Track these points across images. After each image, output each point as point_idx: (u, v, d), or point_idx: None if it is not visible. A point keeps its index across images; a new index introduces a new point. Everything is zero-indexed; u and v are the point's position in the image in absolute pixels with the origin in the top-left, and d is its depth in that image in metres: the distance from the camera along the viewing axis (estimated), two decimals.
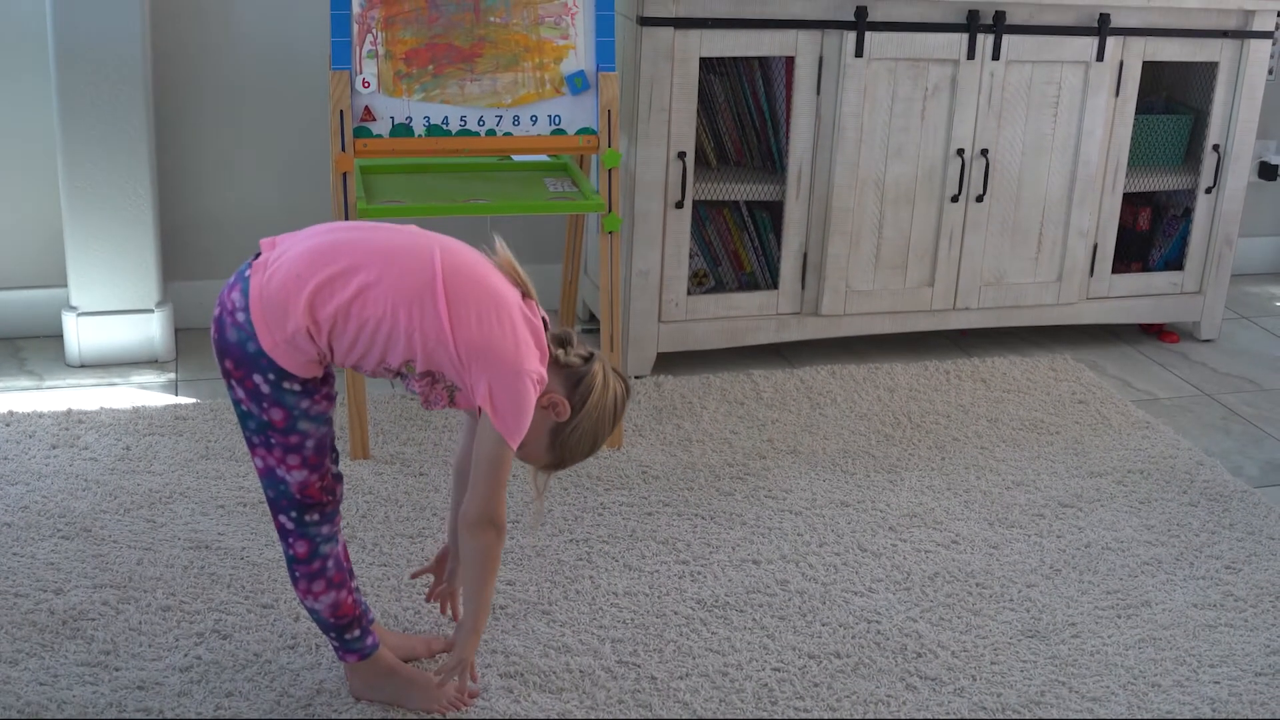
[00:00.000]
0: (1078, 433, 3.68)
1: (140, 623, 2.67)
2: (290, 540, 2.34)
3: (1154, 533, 3.20)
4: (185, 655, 2.58)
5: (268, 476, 2.30)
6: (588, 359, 2.35)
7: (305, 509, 2.32)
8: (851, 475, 3.38)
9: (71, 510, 3.04)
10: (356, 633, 2.44)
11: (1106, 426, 3.72)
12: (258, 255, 2.27)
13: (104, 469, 3.23)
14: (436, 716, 2.45)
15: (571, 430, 2.34)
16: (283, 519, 2.33)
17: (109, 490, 3.13)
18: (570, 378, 2.33)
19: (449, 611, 2.66)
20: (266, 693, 2.49)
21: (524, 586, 2.85)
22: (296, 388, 2.23)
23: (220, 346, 2.24)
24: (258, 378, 2.22)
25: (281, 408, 2.24)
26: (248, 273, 2.24)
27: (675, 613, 2.79)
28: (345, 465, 3.29)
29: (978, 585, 2.95)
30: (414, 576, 2.69)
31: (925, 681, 2.62)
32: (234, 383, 2.24)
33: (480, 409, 2.24)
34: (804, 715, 2.51)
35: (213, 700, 2.46)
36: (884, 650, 2.71)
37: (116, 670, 2.53)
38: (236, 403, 2.26)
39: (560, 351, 2.33)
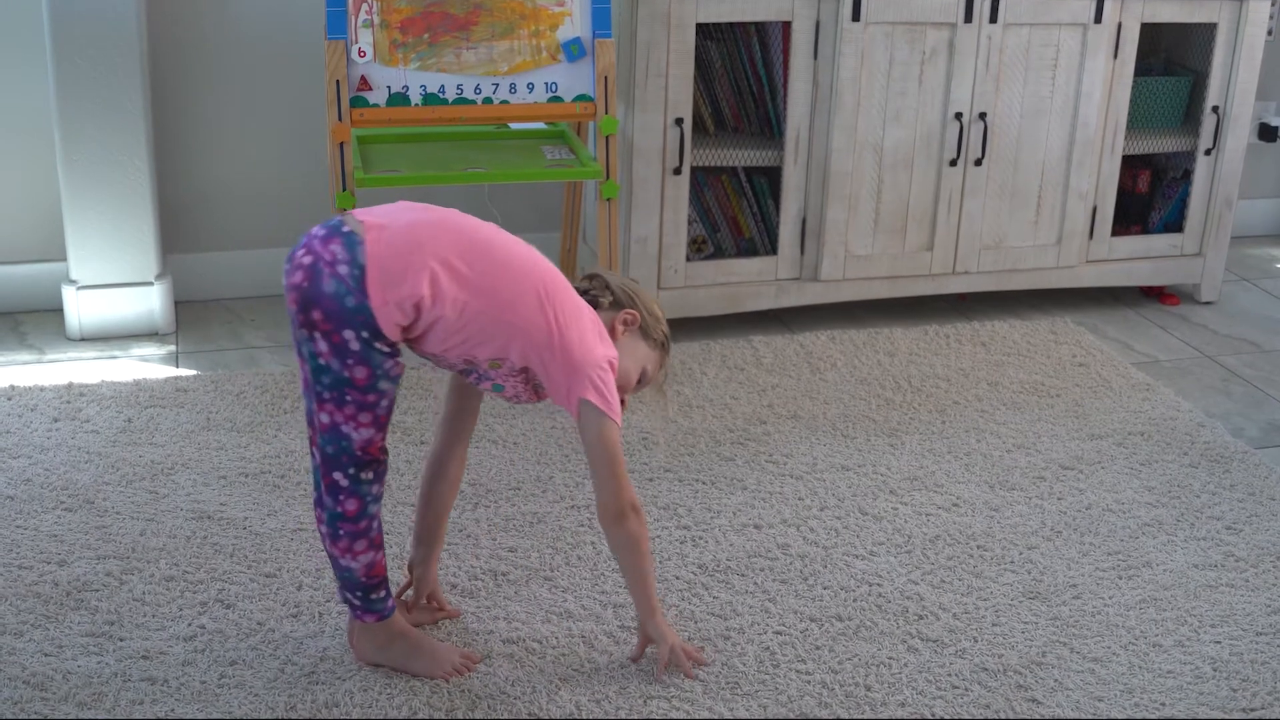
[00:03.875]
0: (1078, 395, 3.68)
1: (144, 593, 2.68)
2: (341, 498, 2.34)
3: (1155, 494, 3.20)
4: (189, 625, 2.59)
5: (330, 432, 2.30)
6: (593, 279, 2.54)
7: (363, 466, 2.33)
8: (852, 439, 3.39)
9: (74, 482, 3.05)
10: (382, 593, 2.44)
11: (1107, 389, 3.73)
12: (337, 220, 2.30)
13: (106, 441, 3.23)
14: (440, 681, 2.47)
15: (649, 319, 2.54)
16: (337, 475, 2.33)
17: (111, 462, 3.14)
18: (612, 300, 2.51)
19: (434, 602, 2.68)
20: (270, 661, 2.50)
21: (526, 553, 2.86)
22: (385, 349, 2.25)
23: (311, 296, 2.23)
24: (349, 333, 2.23)
25: (367, 366, 2.25)
26: (346, 229, 2.26)
27: (677, 577, 2.80)
28: None
29: (979, 547, 2.95)
30: (400, 596, 2.67)
31: (927, 643, 2.63)
32: (318, 335, 2.24)
33: (575, 403, 2.35)
34: (806, 678, 2.52)
35: (217, 669, 2.47)
36: (885, 613, 2.72)
37: (121, 640, 2.54)
38: (314, 355, 2.26)
39: (600, 300, 2.50)
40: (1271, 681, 2.56)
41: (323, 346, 2.25)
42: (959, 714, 2.45)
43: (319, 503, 2.40)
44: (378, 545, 2.41)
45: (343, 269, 2.22)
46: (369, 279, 2.22)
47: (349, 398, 2.27)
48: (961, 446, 3.38)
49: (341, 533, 2.37)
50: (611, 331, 2.46)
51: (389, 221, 2.28)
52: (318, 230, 2.29)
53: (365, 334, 2.23)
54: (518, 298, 2.31)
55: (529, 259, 2.37)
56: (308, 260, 2.25)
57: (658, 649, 2.50)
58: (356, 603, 2.44)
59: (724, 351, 3.83)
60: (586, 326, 2.38)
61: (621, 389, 2.46)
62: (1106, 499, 3.17)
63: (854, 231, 3.98)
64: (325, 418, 2.29)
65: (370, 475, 2.34)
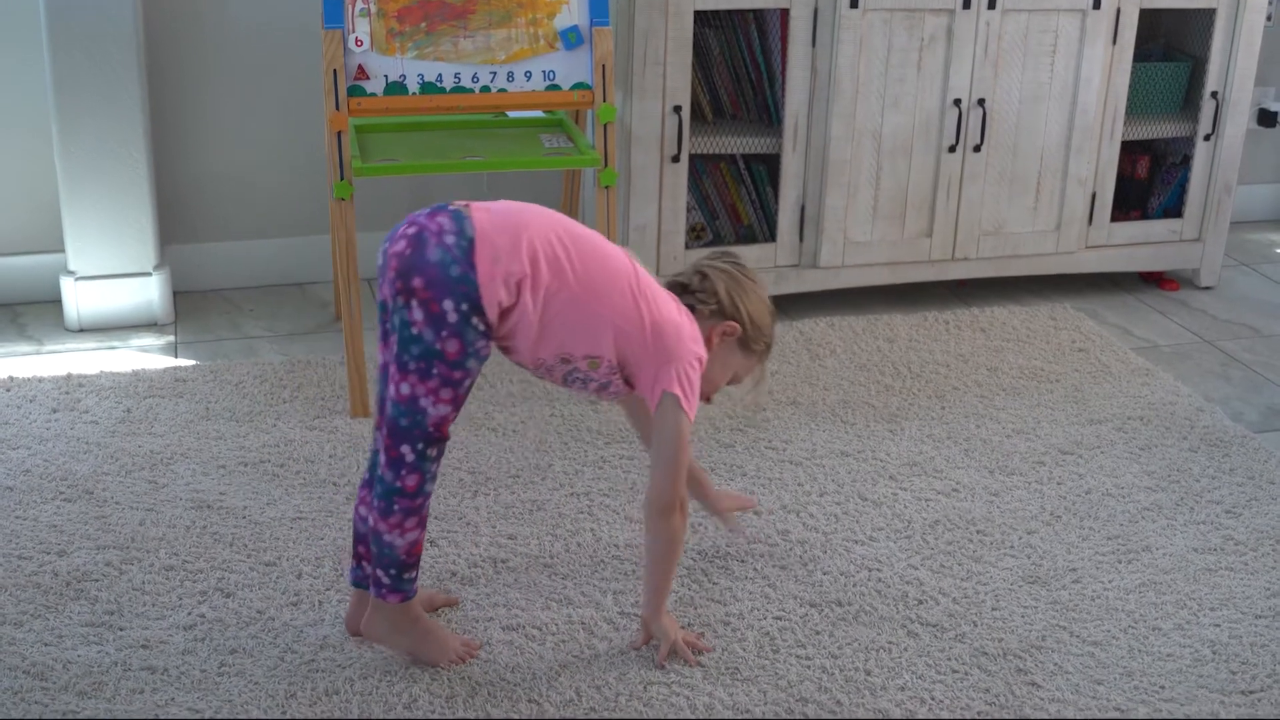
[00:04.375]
0: (1078, 380, 3.68)
1: (143, 582, 2.68)
2: (403, 473, 2.35)
3: (1154, 478, 3.20)
4: (189, 614, 2.59)
5: (408, 404, 2.30)
6: (703, 278, 2.50)
7: (431, 443, 2.34)
8: (851, 425, 3.39)
9: (73, 473, 3.05)
10: (413, 574, 2.44)
11: (1106, 374, 3.72)
12: (441, 204, 2.35)
13: (105, 432, 3.23)
14: (443, 668, 2.47)
15: (752, 330, 2.51)
16: (405, 449, 2.33)
17: (110, 452, 3.14)
18: (715, 308, 2.48)
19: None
20: (270, 649, 2.50)
21: (525, 540, 2.86)
22: (481, 326, 2.27)
23: (413, 264, 2.25)
24: (449, 304, 2.24)
25: (460, 340, 2.26)
26: (453, 208, 2.30)
27: (677, 564, 2.79)
28: (345, 423, 3.30)
29: (978, 532, 2.95)
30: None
31: (926, 628, 2.63)
32: (415, 303, 2.25)
33: (659, 394, 2.37)
34: (806, 663, 2.52)
35: (217, 658, 2.47)
36: (885, 598, 2.72)
37: (121, 630, 2.54)
38: (407, 324, 2.26)
39: (692, 302, 2.48)
40: (1271, 664, 2.57)
41: (418, 315, 2.25)
42: (958, 698, 2.45)
43: (367, 484, 2.43)
44: (424, 525, 2.42)
45: (449, 239, 2.25)
46: (478, 251, 2.25)
47: (435, 371, 2.28)
48: (961, 432, 3.38)
49: (396, 508, 2.37)
50: (708, 341, 2.47)
51: (493, 208, 2.33)
52: (420, 211, 2.33)
53: (465, 306, 2.25)
54: (611, 288, 2.34)
55: (621, 255, 2.41)
56: (412, 231, 2.28)
57: (659, 644, 2.51)
58: (387, 580, 2.43)
59: None
60: (681, 322, 2.42)
61: (707, 391, 2.51)
62: (1106, 483, 3.17)
63: (853, 218, 3.98)
64: (406, 389, 2.30)
65: (434, 453, 2.35)
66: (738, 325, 2.49)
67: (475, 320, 2.26)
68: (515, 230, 2.29)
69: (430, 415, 2.31)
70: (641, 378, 2.40)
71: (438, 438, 2.34)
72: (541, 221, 2.34)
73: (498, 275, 2.25)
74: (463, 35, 3.30)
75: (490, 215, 2.30)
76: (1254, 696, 2.48)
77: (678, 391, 2.37)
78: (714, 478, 3.11)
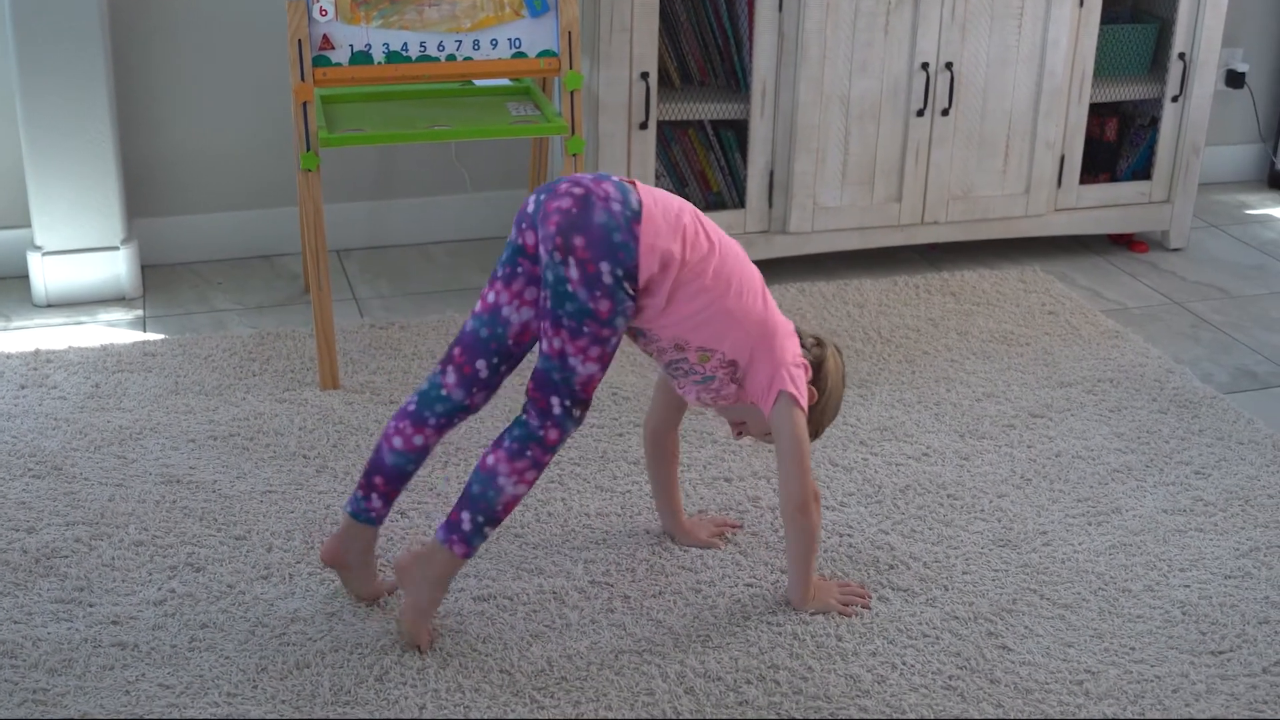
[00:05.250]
0: (1047, 343, 3.68)
1: (113, 558, 2.67)
2: (548, 424, 2.39)
3: (1124, 440, 3.21)
4: (159, 589, 2.58)
5: (559, 360, 2.37)
6: (818, 344, 2.61)
7: (576, 403, 2.40)
8: None
9: (42, 449, 3.04)
10: (489, 533, 2.44)
11: (1076, 337, 3.73)
12: (601, 173, 2.44)
13: (74, 407, 3.22)
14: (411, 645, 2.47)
15: (822, 409, 2.59)
16: (554, 400, 2.38)
17: (79, 428, 3.13)
18: (811, 368, 2.56)
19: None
20: (240, 623, 2.50)
21: None
22: (631, 290, 2.35)
23: (579, 223, 2.33)
24: (605, 265, 2.32)
25: (611, 301, 2.34)
26: (614, 177, 2.40)
27: (647, 532, 2.80)
28: (314, 395, 3.29)
29: (949, 497, 2.96)
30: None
31: (898, 593, 2.64)
32: (573, 261, 2.33)
33: (774, 394, 2.48)
34: (777, 630, 2.52)
35: (187, 632, 2.47)
36: (856, 563, 2.73)
37: (91, 606, 2.53)
38: (562, 280, 2.33)
39: (802, 350, 2.57)
40: (1240, 624, 2.58)
41: (574, 274, 2.32)
42: (930, 662, 2.46)
43: (408, 415, 2.48)
44: (530, 487, 2.44)
45: (615, 206, 2.34)
46: (643, 224, 2.34)
47: (587, 329, 2.35)
48: (931, 396, 3.38)
49: (528, 454, 2.40)
50: None
51: (652, 189, 2.43)
52: (580, 174, 2.41)
53: (620, 272, 2.33)
54: (744, 290, 2.46)
55: (754, 268, 2.54)
56: (579, 191, 2.36)
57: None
58: (468, 527, 2.41)
59: None
60: (790, 332, 2.55)
61: (753, 431, 2.62)
62: (1076, 446, 3.18)
63: (822, 183, 3.97)
64: (557, 344, 2.36)
65: (578, 414, 2.41)
66: (816, 397, 2.56)
67: (627, 285, 2.34)
68: (675, 213, 2.40)
69: (579, 373, 2.37)
70: (757, 378, 2.49)
71: (583, 398, 2.39)
72: (692, 213, 2.44)
73: (658, 248, 2.34)
74: (428, 3, 3.28)
75: (652, 195, 2.40)
76: (1223, 657, 2.50)
77: (793, 390, 2.46)
78: (685, 444, 3.11)
